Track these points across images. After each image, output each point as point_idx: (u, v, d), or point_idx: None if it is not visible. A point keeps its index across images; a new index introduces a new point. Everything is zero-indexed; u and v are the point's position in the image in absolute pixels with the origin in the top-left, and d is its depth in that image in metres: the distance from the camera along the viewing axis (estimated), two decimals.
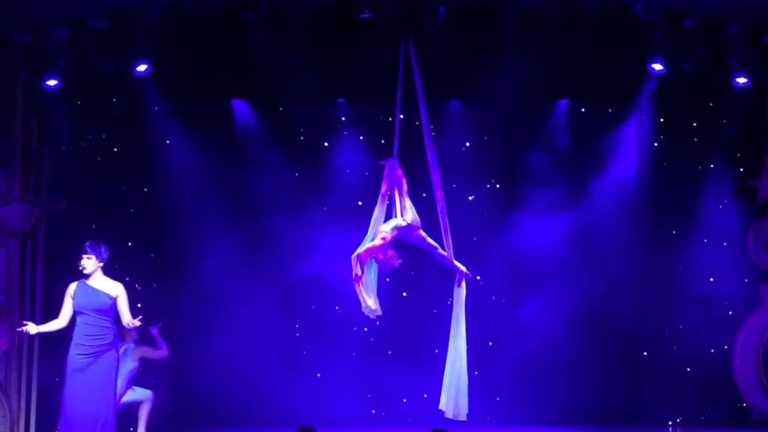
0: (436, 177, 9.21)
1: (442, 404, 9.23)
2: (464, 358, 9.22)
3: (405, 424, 12.47)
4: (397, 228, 8.94)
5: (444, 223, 9.15)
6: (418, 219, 9.03)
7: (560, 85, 12.09)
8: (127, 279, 10.48)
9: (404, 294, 12.48)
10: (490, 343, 12.11)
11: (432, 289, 12.18)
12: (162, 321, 10.74)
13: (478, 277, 11.47)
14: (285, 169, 12.39)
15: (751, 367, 11.69)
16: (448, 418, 9.17)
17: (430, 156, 9.23)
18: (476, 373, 10.50)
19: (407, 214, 8.99)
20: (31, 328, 8.94)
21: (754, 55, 10.97)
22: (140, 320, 8.94)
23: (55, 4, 10.25)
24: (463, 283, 9.26)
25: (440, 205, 9.18)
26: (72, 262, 9.00)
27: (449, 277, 11.43)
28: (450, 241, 9.18)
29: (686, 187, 12.29)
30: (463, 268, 9.23)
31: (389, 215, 9.13)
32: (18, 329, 9.35)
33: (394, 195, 9.10)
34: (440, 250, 9.14)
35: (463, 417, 9.22)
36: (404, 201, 9.05)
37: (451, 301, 9.32)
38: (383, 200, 9.09)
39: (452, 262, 9.21)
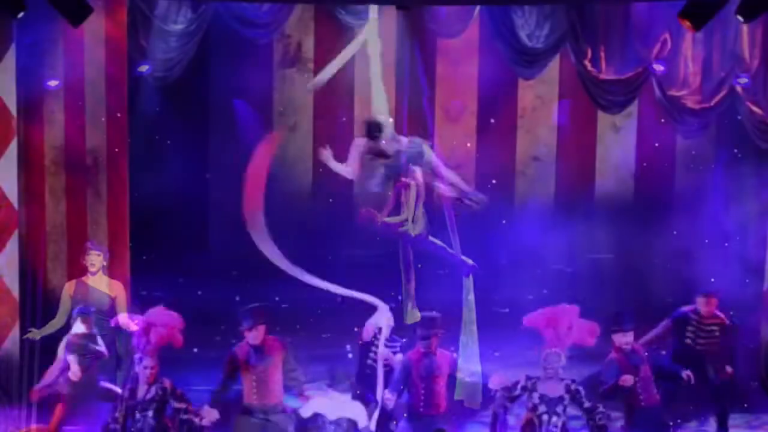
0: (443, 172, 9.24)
1: (459, 393, 9.23)
2: (476, 343, 9.21)
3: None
4: (402, 228, 8.88)
5: (450, 218, 9.16)
6: (425, 228, 9.04)
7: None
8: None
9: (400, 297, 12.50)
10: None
11: (433, 289, 12.17)
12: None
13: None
14: None
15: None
16: (454, 417, 9.14)
17: (438, 151, 9.26)
18: None
19: (418, 223, 8.99)
20: (35, 335, 8.95)
21: None
22: (137, 324, 8.97)
23: None
24: (470, 275, 9.31)
25: (446, 202, 9.17)
26: (74, 262, 9.01)
27: (449, 277, 11.52)
28: (456, 237, 9.17)
29: (687, 187, 12.29)
30: (470, 261, 9.33)
31: (397, 212, 9.12)
32: (23, 337, 9.41)
33: (410, 196, 9.06)
34: (449, 250, 9.17)
35: (477, 404, 9.20)
36: (419, 208, 9.06)
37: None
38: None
39: (459, 258, 9.20)
